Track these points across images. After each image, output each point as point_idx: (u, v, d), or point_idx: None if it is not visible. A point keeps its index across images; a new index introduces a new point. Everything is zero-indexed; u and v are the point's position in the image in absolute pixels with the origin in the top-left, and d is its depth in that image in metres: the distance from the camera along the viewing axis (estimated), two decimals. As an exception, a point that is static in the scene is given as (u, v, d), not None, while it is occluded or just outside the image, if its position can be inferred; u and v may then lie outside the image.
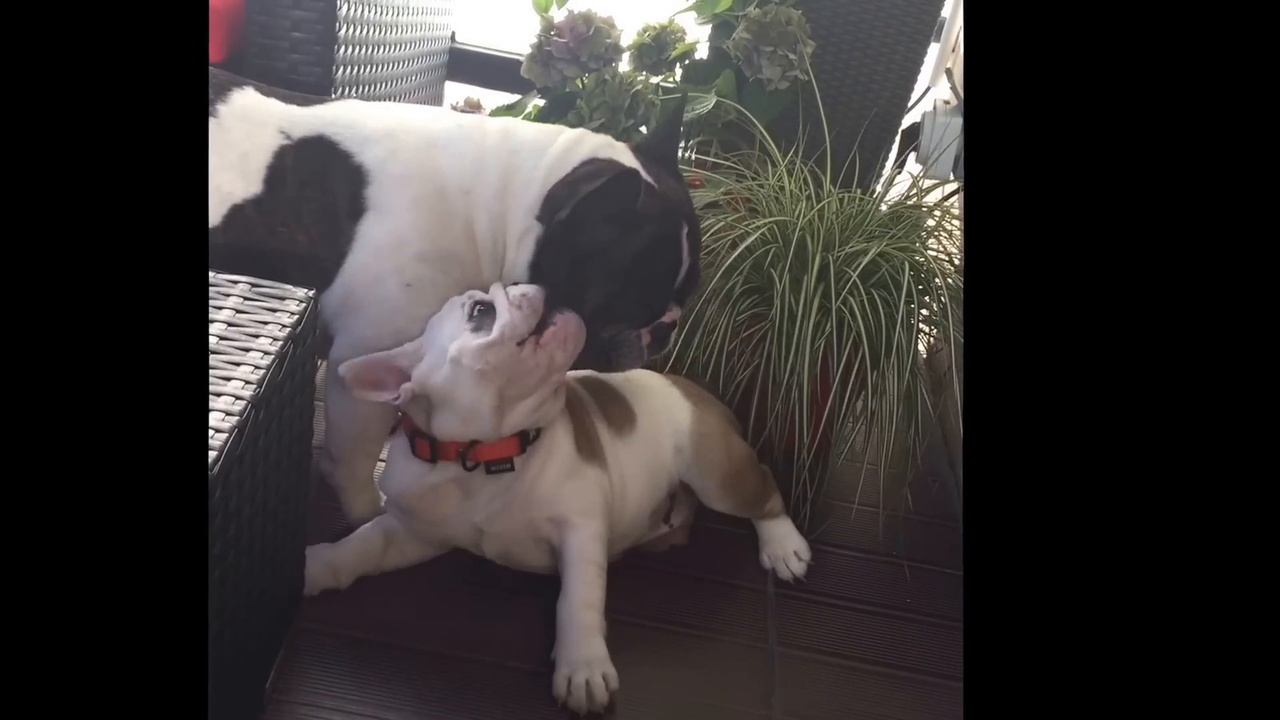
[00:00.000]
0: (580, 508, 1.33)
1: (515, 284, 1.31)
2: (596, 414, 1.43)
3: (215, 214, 1.26)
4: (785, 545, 1.54)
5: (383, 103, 1.40)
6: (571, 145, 1.36)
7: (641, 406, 1.48)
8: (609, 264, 1.31)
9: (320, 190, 1.31)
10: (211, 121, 1.28)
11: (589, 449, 1.37)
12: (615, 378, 1.50)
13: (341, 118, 1.34)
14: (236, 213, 1.27)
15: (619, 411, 1.46)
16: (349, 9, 1.61)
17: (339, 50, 1.60)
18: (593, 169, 1.32)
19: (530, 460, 1.31)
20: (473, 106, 1.89)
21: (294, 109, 1.33)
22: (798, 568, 1.52)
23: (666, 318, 1.38)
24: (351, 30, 1.64)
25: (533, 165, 1.34)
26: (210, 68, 1.33)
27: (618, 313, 1.34)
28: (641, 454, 1.44)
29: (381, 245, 1.32)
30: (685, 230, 1.35)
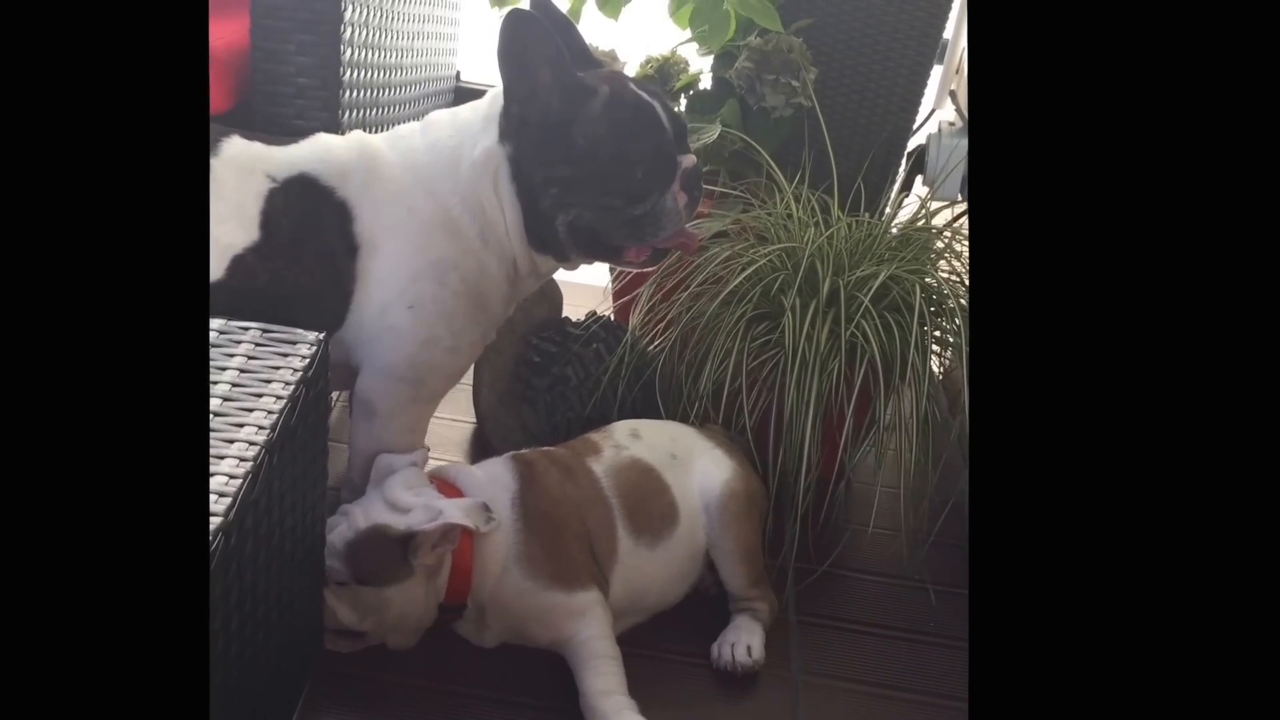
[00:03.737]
0: (570, 623, 1.31)
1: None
2: (622, 524, 1.39)
3: (218, 265, 1.28)
4: (745, 636, 1.40)
5: (353, 133, 1.43)
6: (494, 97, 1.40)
7: (685, 488, 1.46)
8: (587, 141, 1.33)
9: (314, 230, 1.33)
10: None
11: (582, 573, 1.33)
12: (662, 442, 1.50)
13: (317, 153, 1.36)
14: (239, 262, 1.29)
15: (661, 510, 1.43)
16: (353, 53, 1.62)
17: (344, 94, 1.61)
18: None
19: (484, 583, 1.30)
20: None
21: (275, 150, 1.35)
22: (742, 656, 1.38)
23: (685, 163, 1.38)
24: (356, 74, 1.65)
25: (469, 129, 1.38)
26: None
27: (636, 184, 1.35)
28: (677, 551, 1.43)
29: (380, 278, 1.35)
30: (631, 83, 1.38)
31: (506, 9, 1.35)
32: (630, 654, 1.31)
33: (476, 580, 1.30)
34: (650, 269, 1.52)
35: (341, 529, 1.27)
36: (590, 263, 1.45)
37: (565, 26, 1.43)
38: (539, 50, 1.31)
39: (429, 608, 1.29)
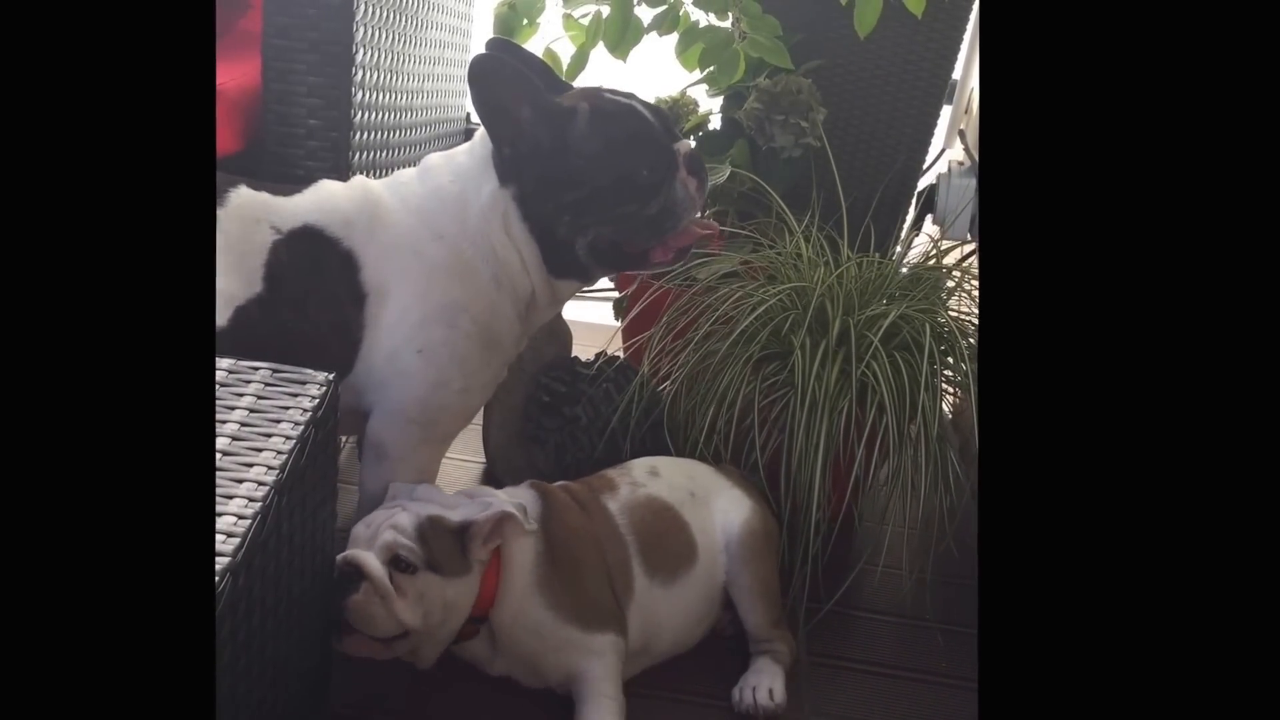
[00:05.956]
0: (584, 660, 1.30)
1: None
2: (637, 562, 1.39)
3: (221, 316, 1.26)
4: (766, 679, 1.40)
5: (355, 179, 1.44)
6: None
7: (704, 526, 1.46)
8: (585, 160, 1.35)
9: (319, 280, 1.32)
10: None
11: (602, 613, 1.33)
12: (681, 480, 1.49)
13: (320, 202, 1.36)
14: (241, 313, 1.28)
15: (678, 548, 1.42)
16: (364, 95, 1.63)
17: (355, 136, 1.62)
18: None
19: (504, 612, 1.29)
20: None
21: (280, 201, 1.35)
22: (764, 699, 1.37)
23: (683, 149, 1.39)
24: (367, 116, 1.66)
25: (470, 173, 1.39)
26: None
27: (643, 183, 1.36)
28: (693, 591, 1.43)
29: (388, 324, 1.34)
30: (606, 91, 1.40)
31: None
32: (650, 695, 1.30)
33: (500, 595, 1.28)
34: (674, 266, 1.50)
35: (399, 515, 1.24)
36: (613, 274, 1.44)
37: (528, 59, 1.46)
38: (512, 89, 1.33)
39: (466, 614, 1.27)
